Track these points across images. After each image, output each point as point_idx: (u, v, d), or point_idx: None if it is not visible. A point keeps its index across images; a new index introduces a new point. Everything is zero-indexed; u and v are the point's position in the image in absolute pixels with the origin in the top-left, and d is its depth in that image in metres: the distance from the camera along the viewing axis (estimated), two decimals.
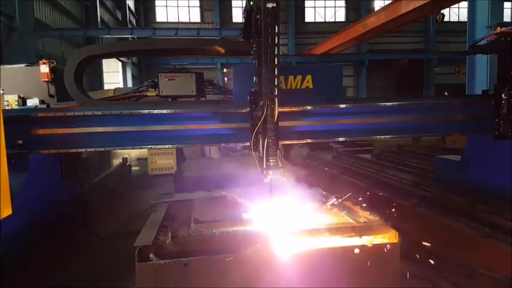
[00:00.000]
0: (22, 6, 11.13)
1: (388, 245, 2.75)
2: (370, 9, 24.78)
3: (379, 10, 15.61)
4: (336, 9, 27.74)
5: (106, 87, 17.09)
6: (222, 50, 4.02)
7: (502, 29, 3.49)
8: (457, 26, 24.60)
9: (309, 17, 27.69)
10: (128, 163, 9.23)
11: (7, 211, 2.34)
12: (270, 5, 2.73)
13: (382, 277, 2.72)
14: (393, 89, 27.57)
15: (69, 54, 13.70)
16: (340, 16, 27.74)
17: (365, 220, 3.01)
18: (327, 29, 25.44)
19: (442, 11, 14.70)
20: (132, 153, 10.11)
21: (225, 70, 22.68)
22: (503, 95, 3.53)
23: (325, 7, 27.70)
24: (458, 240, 4.07)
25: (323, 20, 27.64)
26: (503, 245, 3.52)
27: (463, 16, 24.91)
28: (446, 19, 19.98)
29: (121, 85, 21.18)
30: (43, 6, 14.29)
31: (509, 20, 18.64)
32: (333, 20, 27.45)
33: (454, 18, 27.17)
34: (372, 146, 10.75)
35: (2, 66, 4.60)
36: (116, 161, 9.09)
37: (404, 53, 26.04)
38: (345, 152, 10.03)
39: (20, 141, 3.16)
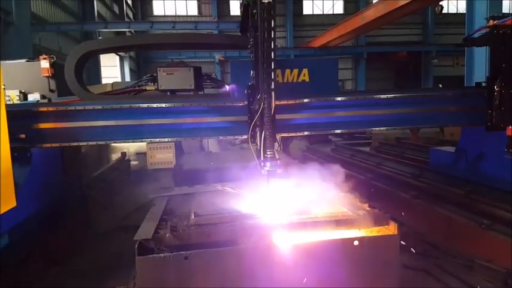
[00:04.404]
0: (19, 1, 11.06)
1: (387, 237, 2.79)
2: (369, 1, 24.66)
3: (378, 2, 15.55)
4: (334, 1, 27.58)
5: (104, 81, 17.08)
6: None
7: (495, 22, 3.54)
8: (456, 18, 24.50)
9: (307, 9, 27.54)
10: (126, 158, 9.27)
11: (11, 203, 2.40)
12: (266, 1, 2.79)
13: (381, 268, 2.75)
14: (392, 82, 27.54)
15: (69, 49, 13.69)
16: (339, 8, 27.60)
17: (364, 212, 3.03)
18: (325, 21, 25.34)
19: (440, 3, 14.66)
20: (131, 148, 10.13)
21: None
22: (495, 87, 3.59)
23: None
24: (456, 231, 4.14)
25: (321, 13, 27.51)
26: (502, 236, 3.59)
27: (462, 8, 24.79)
28: (445, 11, 19.88)
29: (119, 79, 21.13)
30: (40, 1, 14.21)
31: (509, 12, 18.59)
32: (331, 13, 27.32)
33: (452, 10, 27.05)
34: (371, 139, 10.81)
35: (3, 62, 4.63)
36: (115, 156, 9.13)
37: (402, 45, 25.96)
38: (344, 145, 10.08)
39: (23, 135, 3.21)
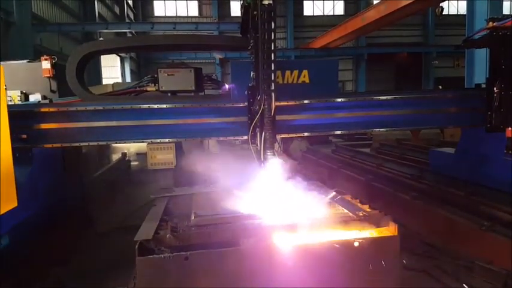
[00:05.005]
0: (20, 1, 11.10)
1: (387, 238, 2.79)
2: (369, 3, 24.69)
3: (379, 3, 15.57)
4: (335, 2, 27.63)
5: (104, 82, 17.11)
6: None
7: (494, 24, 3.55)
8: (457, 19, 24.54)
9: (308, 10, 27.59)
10: (127, 158, 9.29)
11: (12, 203, 2.41)
12: (266, 2, 2.80)
13: (382, 270, 2.75)
14: (392, 83, 27.57)
15: (69, 49, 13.73)
16: (339, 9, 27.65)
17: (364, 213, 3.03)
18: (326, 22, 25.39)
19: (441, 4, 14.66)
20: (132, 148, 10.15)
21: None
22: (495, 89, 3.60)
23: (323, 0, 27.59)
24: (456, 232, 4.14)
25: (322, 14, 27.55)
26: (503, 237, 3.59)
27: (462, 9, 24.81)
28: (445, 12, 19.89)
29: (119, 80, 21.16)
30: (41, 1, 14.25)
31: (510, 13, 18.61)
32: (332, 14, 27.36)
33: (453, 11, 27.09)
34: (371, 140, 10.82)
35: (4, 62, 4.65)
36: (116, 156, 9.15)
37: (403, 46, 26.00)
38: (344, 146, 10.08)
39: (24, 136, 3.22)
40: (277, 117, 3.27)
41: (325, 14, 27.52)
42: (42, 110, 3.42)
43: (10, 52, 10.18)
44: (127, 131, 3.52)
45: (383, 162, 6.90)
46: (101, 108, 3.46)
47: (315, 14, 27.58)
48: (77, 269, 4.01)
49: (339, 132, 3.85)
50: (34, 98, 4.89)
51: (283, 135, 3.64)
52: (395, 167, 6.42)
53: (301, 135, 3.80)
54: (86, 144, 3.57)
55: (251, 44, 3.22)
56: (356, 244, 2.70)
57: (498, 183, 4.23)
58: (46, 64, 4.89)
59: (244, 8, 3.23)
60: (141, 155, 10.04)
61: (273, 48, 2.95)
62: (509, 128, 3.64)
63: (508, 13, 18.30)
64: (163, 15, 26.59)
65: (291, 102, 3.60)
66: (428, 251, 4.16)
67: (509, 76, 3.56)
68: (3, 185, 2.27)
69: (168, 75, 4.06)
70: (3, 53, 9.67)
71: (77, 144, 3.54)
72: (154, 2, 26.93)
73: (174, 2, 26.89)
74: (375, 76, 26.69)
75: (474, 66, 10.46)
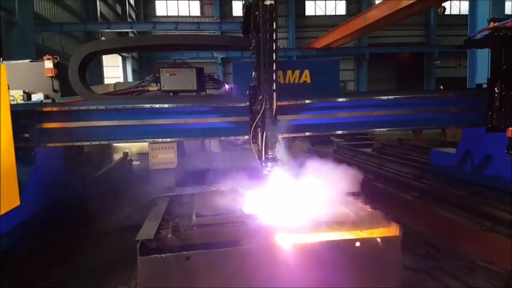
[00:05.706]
0: (22, 1, 11.13)
1: (388, 238, 2.79)
2: (371, 2, 24.65)
3: (380, 3, 15.55)
4: (337, 2, 27.60)
5: (106, 81, 17.13)
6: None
7: (495, 24, 3.54)
8: (458, 19, 24.48)
9: (309, 10, 27.56)
10: (128, 158, 9.30)
11: (15, 202, 2.42)
12: (268, 2, 2.81)
13: (382, 270, 2.76)
14: (394, 83, 27.52)
15: (71, 49, 13.75)
16: (341, 9, 27.62)
17: (366, 213, 3.04)
18: (328, 22, 25.36)
19: (443, 4, 14.63)
20: (133, 148, 10.17)
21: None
22: (496, 89, 3.60)
23: (325, 0, 27.56)
24: (458, 232, 4.14)
25: (323, 14, 27.52)
26: (504, 238, 3.59)
27: (464, 9, 24.78)
28: (447, 12, 19.85)
29: (121, 79, 21.18)
30: (43, 1, 14.29)
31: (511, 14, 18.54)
32: (334, 14, 27.34)
33: (455, 11, 27.02)
34: (373, 140, 10.82)
35: (7, 62, 4.66)
36: (117, 156, 9.17)
37: (405, 46, 25.94)
38: (346, 146, 10.08)
39: (26, 135, 3.24)
40: (279, 117, 3.28)
41: (327, 14, 27.48)
42: (45, 109, 3.43)
43: (12, 51, 10.20)
44: (129, 130, 3.53)
45: (384, 162, 6.90)
46: (103, 107, 3.48)
47: (316, 14, 27.55)
48: (78, 269, 4.03)
49: (340, 132, 3.86)
50: (36, 97, 4.90)
51: (284, 135, 3.65)
52: (397, 167, 6.41)
53: (303, 135, 3.80)
54: (88, 143, 3.59)
55: (253, 44, 3.23)
56: (357, 244, 2.71)
57: (499, 184, 4.22)
58: (48, 63, 4.90)
59: (246, 8, 3.24)
60: (142, 155, 10.05)
61: (274, 48, 2.96)
62: (510, 128, 3.63)
63: (510, 13, 18.25)
64: (165, 14, 26.60)
65: (292, 102, 3.60)
66: (429, 251, 4.16)
67: (510, 76, 3.56)
68: (6, 184, 2.29)
69: (170, 75, 4.08)
70: (6, 52, 9.69)
71: (79, 143, 3.55)
72: (156, 1, 26.94)
73: (176, 1, 26.89)
74: (376, 76, 26.64)
75: (476, 67, 10.42)
